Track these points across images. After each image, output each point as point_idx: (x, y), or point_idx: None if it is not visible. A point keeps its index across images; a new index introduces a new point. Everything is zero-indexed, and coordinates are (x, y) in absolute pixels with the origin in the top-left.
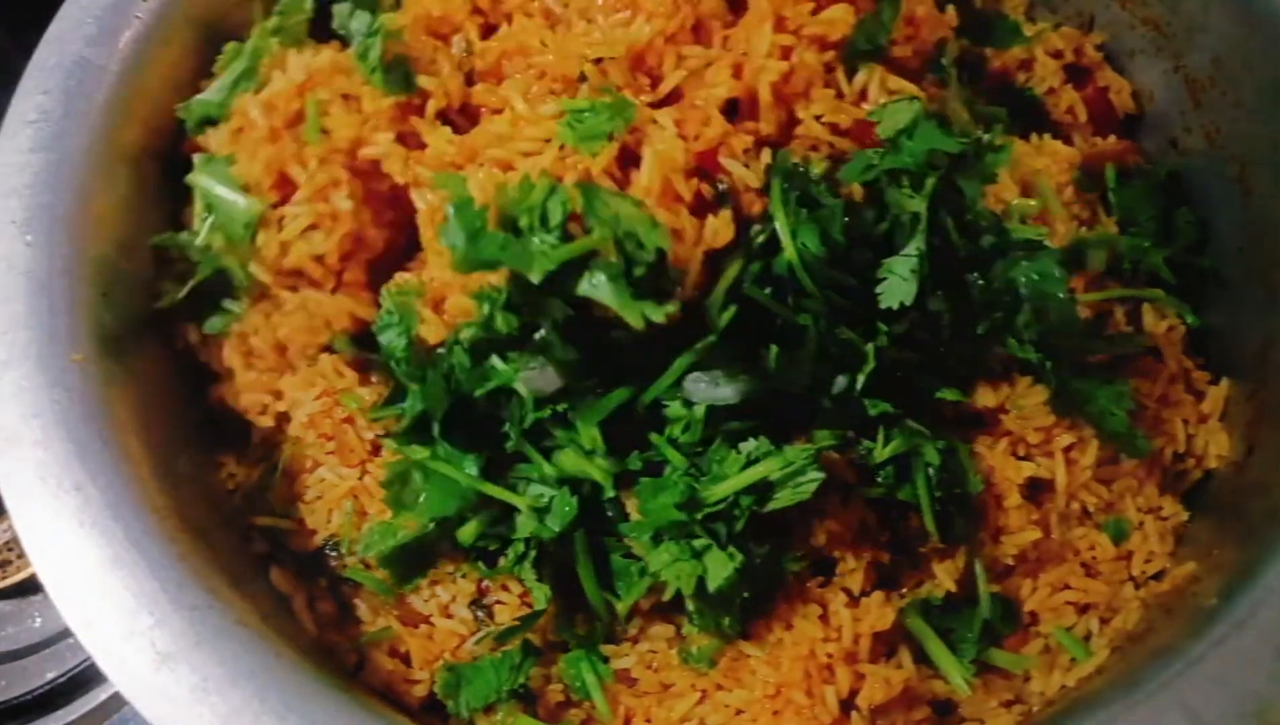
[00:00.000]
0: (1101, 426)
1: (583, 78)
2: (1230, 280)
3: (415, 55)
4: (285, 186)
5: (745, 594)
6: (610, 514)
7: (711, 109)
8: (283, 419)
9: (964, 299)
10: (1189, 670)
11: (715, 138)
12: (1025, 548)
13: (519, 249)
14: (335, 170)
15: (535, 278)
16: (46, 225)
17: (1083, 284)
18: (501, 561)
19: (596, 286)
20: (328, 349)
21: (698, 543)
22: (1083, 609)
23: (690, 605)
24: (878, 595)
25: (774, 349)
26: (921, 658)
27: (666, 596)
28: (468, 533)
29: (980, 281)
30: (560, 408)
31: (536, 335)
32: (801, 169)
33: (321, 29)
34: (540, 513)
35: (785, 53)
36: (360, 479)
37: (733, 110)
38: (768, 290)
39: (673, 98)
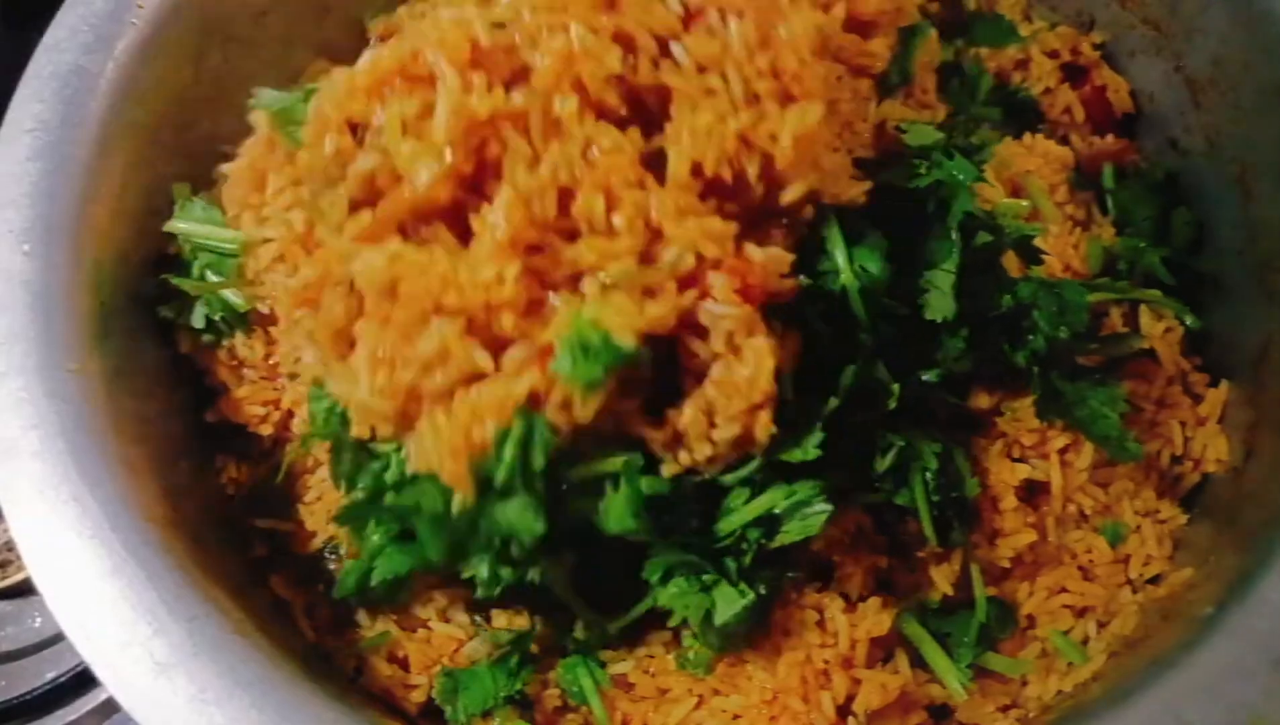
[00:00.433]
0: (1092, 430)
1: None
2: (1229, 282)
3: None
4: None
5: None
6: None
7: None
8: (284, 422)
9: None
10: (1183, 679)
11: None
12: (1022, 550)
13: (511, 514)
14: None
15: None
16: (44, 235)
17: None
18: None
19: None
20: None
21: (706, 577)
22: (1080, 612)
23: (695, 629)
24: (874, 601)
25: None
26: (918, 662)
27: (672, 623)
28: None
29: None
30: None
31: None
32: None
33: None
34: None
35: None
36: None
37: None
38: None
39: None
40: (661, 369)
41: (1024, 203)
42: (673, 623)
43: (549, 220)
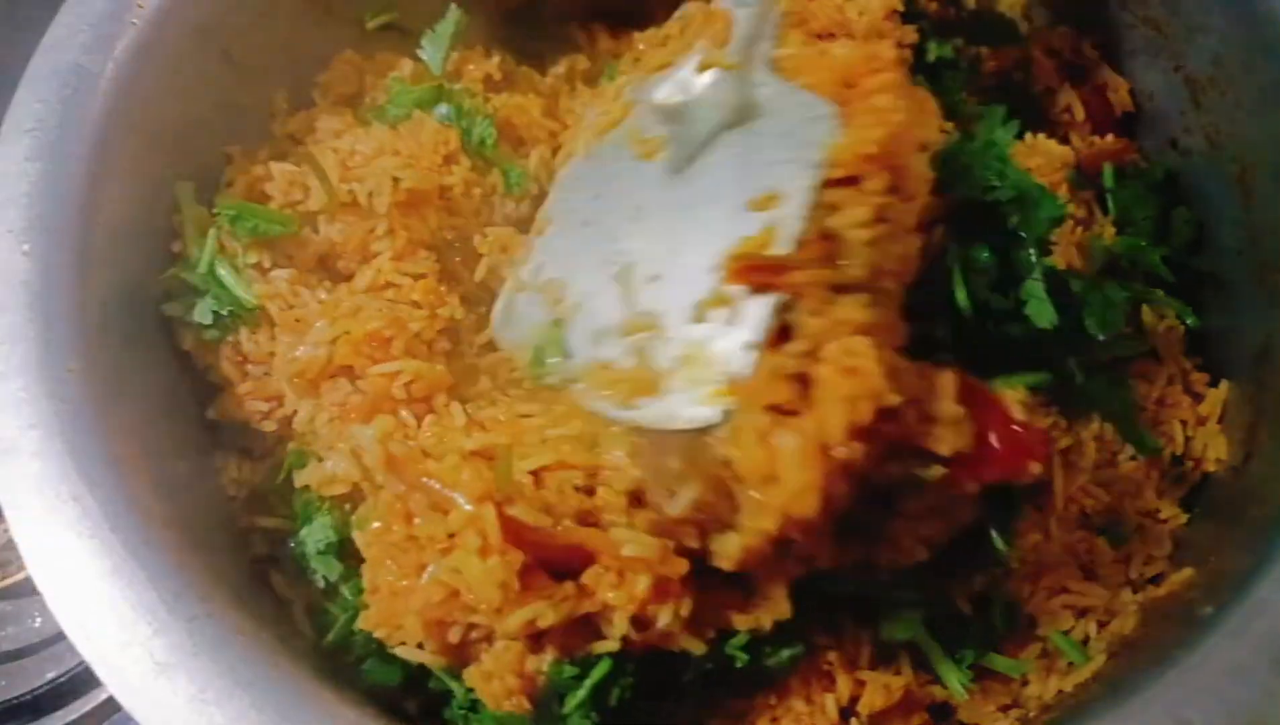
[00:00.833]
0: (1119, 424)
1: None
2: (1230, 281)
3: None
4: None
5: None
6: None
7: None
8: (287, 420)
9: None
10: (1183, 680)
11: None
12: (1025, 551)
13: None
14: None
15: None
16: (44, 235)
17: None
18: None
19: None
20: None
21: None
22: (1081, 612)
23: None
24: None
25: None
26: (920, 663)
27: None
28: None
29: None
30: None
31: None
32: None
33: None
34: None
35: None
36: None
37: None
38: None
39: None
40: None
41: None
42: None
43: None
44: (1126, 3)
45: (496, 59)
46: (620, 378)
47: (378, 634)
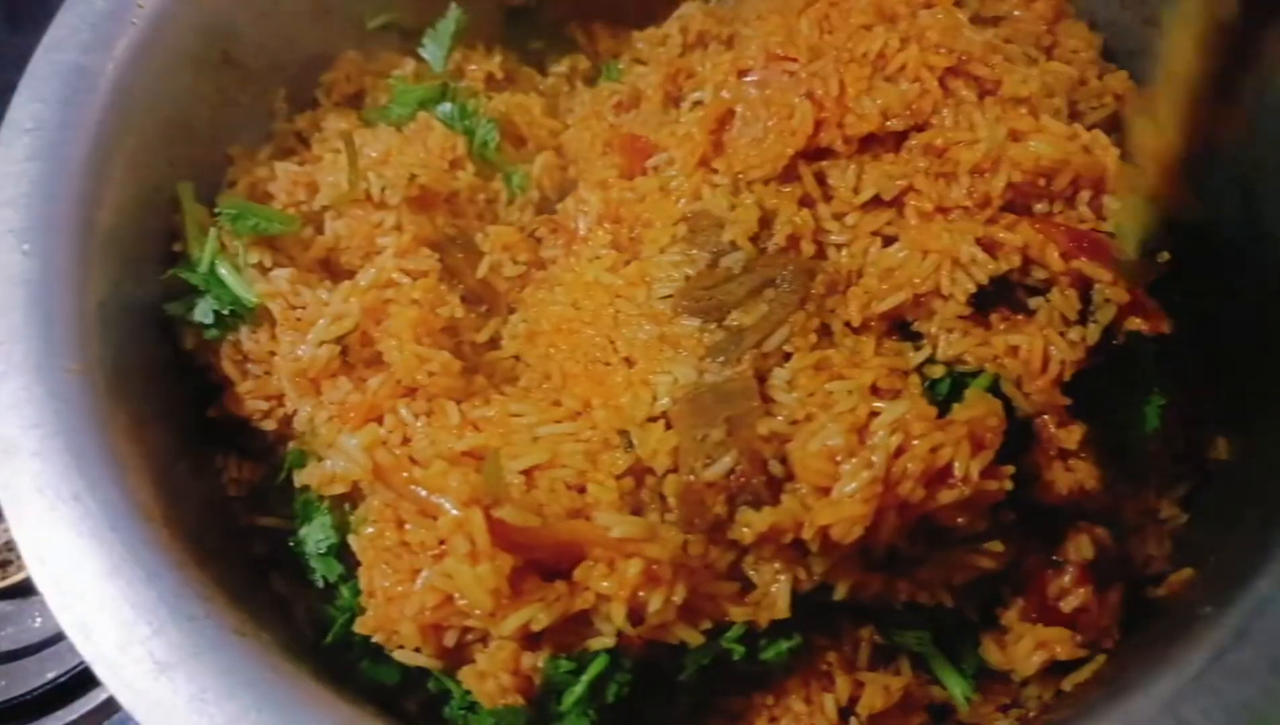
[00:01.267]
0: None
1: None
2: (1230, 281)
3: None
4: None
5: None
6: None
7: None
8: (287, 419)
9: None
10: (1183, 680)
11: None
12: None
13: None
14: None
15: None
16: (44, 234)
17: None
18: None
19: None
20: None
21: None
22: None
23: None
24: None
25: None
26: (919, 663)
27: None
28: None
29: None
30: None
31: None
32: None
33: None
34: None
35: None
36: None
37: None
38: None
39: None
40: None
41: None
42: None
43: None
44: (1126, 3)
45: (498, 58)
46: None
47: (375, 638)
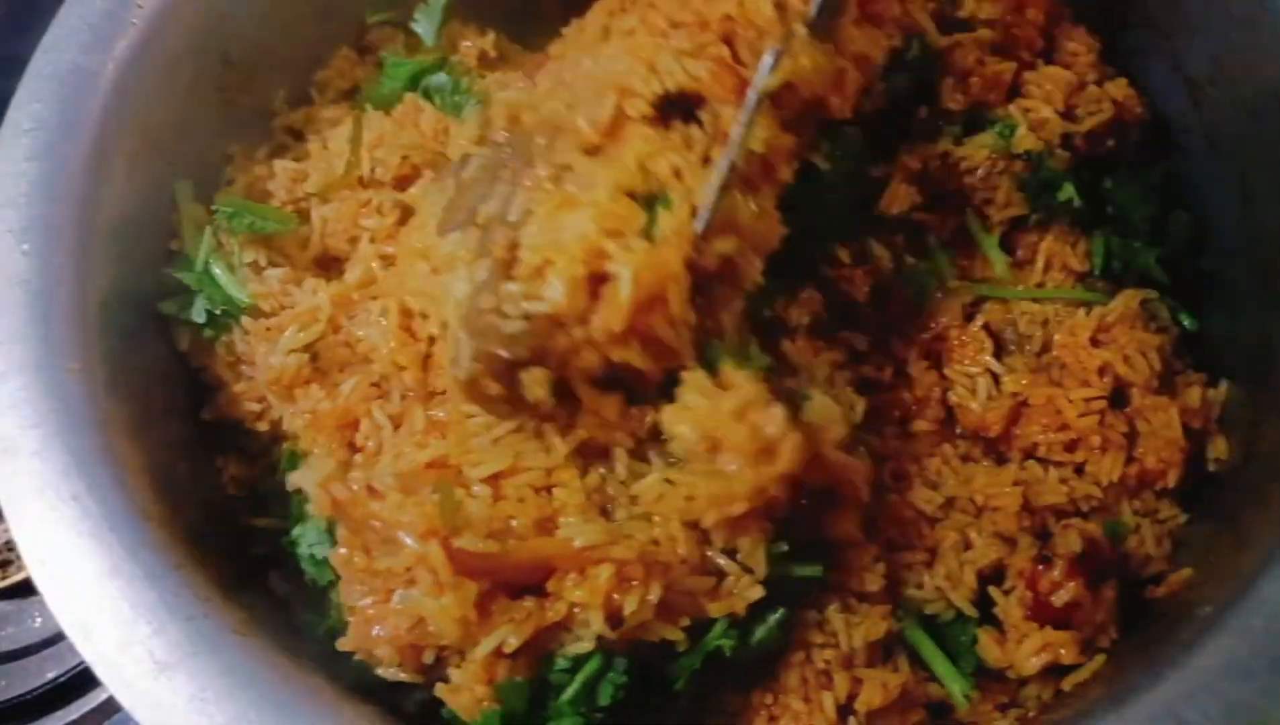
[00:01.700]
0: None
1: None
2: (1229, 282)
3: None
4: None
5: None
6: None
7: None
8: (278, 422)
9: None
10: (1183, 679)
11: None
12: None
13: None
14: None
15: None
16: (43, 235)
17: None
18: None
19: None
20: None
21: None
22: None
23: None
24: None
25: None
26: (918, 660)
27: None
28: None
29: None
30: None
31: None
32: None
33: None
34: None
35: None
36: None
37: None
38: None
39: None
40: None
41: None
42: None
43: None
44: (1127, 2)
45: (491, 36)
46: None
47: (358, 655)
